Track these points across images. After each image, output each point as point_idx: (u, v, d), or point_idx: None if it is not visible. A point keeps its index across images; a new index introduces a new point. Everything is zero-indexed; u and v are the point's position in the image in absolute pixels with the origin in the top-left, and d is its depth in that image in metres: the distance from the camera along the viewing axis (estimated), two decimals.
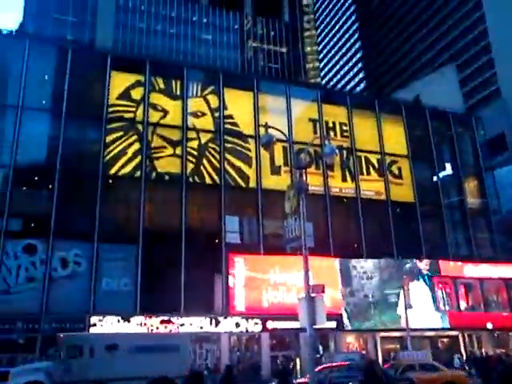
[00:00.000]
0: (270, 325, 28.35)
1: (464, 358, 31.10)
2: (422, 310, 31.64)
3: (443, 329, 32.45)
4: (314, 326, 12.93)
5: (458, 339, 33.34)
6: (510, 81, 65.11)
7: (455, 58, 79.55)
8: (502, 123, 54.28)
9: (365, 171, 36.11)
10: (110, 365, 18.29)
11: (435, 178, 38.42)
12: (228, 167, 32.19)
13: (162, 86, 32.60)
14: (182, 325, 26.90)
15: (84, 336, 22.12)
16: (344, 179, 35.25)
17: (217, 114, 33.27)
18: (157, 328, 26.40)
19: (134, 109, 31.28)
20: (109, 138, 29.92)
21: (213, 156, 32.15)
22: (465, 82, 75.45)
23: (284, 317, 27.24)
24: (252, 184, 32.35)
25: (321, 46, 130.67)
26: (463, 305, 34.40)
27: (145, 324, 26.24)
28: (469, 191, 39.55)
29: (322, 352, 27.55)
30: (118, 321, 25.93)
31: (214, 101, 33.56)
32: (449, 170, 39.33)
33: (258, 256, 30.19)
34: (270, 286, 29.30)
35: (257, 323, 28.22)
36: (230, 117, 33.60)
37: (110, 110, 30.62)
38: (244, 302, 28.58)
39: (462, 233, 38.05)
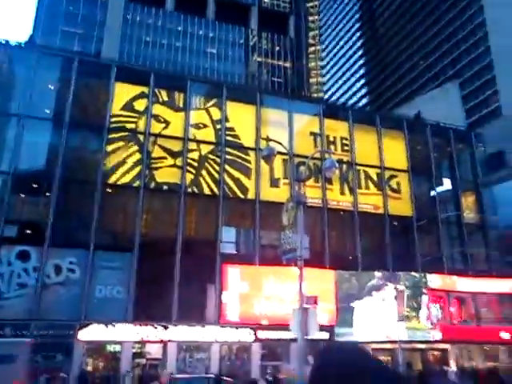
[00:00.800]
0: (262, 335, 28.45)
1: (454, 370, 31.25)
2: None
3: (434, 341, 32.44)
4: (306, 337, 13.13)
5: (449, 352, 33.45)
6: (511, 99, 65.50)
7: (458, 75, 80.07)
8: (502, 140, 54.45)
9: (363, 185, 36.34)
10: None
11: (433, 193, 38.65)
12: (227, 178, 32.52)
13: (165, 97, 33.11)
14: (173, 334, 27.09)
15: None
16: (342, 193, 35.48)
17: (218, 126, 33.69)
18: (147, 336, 26.55)
19: (136, 120, 31.77)
20: (109, 148, 30.38)
21: (212, 167, 32.52)
22: (467, 99, 75.92)
23: (276, 327, 27.22)
24: (251, 195, 32.64)
25: (325, 62, 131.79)
26: (456, 318, 34.51)
27: (137, 332, 26.44)
28: (466, 206, 39.70)
29: (312, 362, 27.52)
30: (107, 327, 26.07)
31: (216, 113, 34.02)
32: (447, 185, 39.54)
33: (253, 266, 30.35)
34: (263, 296, 29.40)
35: (249, 333, 28.37)
36: (232, 129, 34.02)
37: (113, 120, 31.09)
38: (237, 311, 28.71)
39: (459, 247, 38.09)
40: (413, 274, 33.49)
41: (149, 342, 27.09)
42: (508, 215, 39.39)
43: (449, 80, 78.44)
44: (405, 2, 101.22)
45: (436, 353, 33.71)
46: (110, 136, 30.70)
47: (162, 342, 27.15)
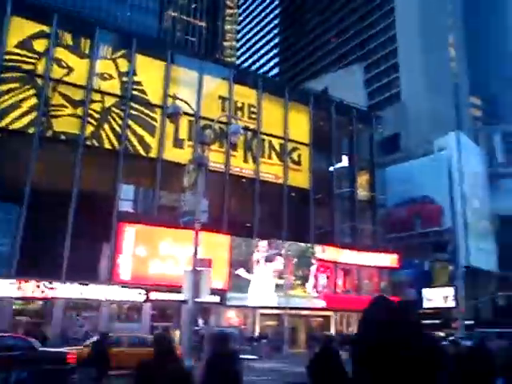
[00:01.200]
0: (153, 296, 28.46)
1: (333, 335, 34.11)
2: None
3: (318, 309, 34.63)
4: (197, 299, 13.24)
5: (330, 319, 35.91)
6: (410, 86, 69.66)
7: (366, 57, 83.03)
8: (398, 125, 58.11)
9: (266, 154, 37.02)
10: None
11: (331, 169, 40.40)
12: (130, 134, 31.47)
13: (69, 41, 30.94)
14: (60, 291, 26.12)
15: None
16: (245, 160, 35.91)
17: (125, 79, 32.28)
18: (32, 292, 25.33)
19: (34, 61, 29.44)
20: (1, 88, 27.94)
21: (115, 121, 31.24)
22: (371, 81, 79.22)
23: (168, 289, 27.21)
24: (153, 154, 31.94)
25: (240, 26, 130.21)
26: (340, 288, 37.09)
27: (20, 288, 25.07)
28: (360, 184, 42.06)
29: (202, 325, 28.08)
30: None
31: (123, 65, 32.50)
32: (345, 162, 41.54)
33: (150, 227, 29.86)
34: (158, 257, 29.30)
35: (140, 293, 28.24)
36: (139, 83, 32.78)
37: (7, 57, 28.53)
38: (130, 271, 28.42)
39: (350, 222, 40.51)
40: (300, 244, 35.15)
41: (33, 298, 25.89)
42: (394, 195, 42.54)
43: (357, 61, 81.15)
44: None
45: (319, 319, 36.18)
46: (3, 75, 28.17)
47: (46, 299, 26.08)
